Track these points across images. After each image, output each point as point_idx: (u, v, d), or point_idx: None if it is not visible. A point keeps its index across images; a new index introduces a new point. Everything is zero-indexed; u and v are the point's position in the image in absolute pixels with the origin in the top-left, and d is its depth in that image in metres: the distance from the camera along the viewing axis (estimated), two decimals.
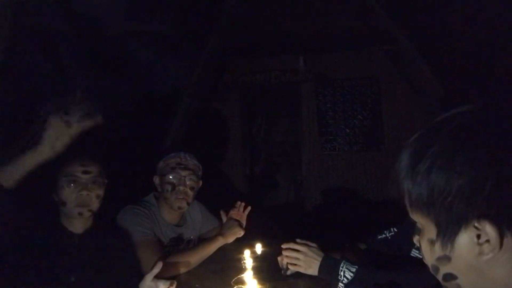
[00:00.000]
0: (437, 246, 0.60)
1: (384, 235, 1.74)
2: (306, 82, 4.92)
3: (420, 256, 1.47)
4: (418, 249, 1.50)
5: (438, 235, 0.60)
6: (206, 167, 2.04)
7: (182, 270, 1.67)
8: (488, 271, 0.57)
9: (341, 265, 1.30)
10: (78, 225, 1.49)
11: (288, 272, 1.47)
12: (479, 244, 0.55)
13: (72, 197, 1.44)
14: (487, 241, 0.54)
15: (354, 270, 1.28)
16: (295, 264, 1.40)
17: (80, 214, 1.45)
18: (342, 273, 1.29)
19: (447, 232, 0.58)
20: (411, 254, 1.54)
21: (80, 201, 1.44)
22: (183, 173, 1.86)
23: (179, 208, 1.87)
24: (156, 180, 1.92)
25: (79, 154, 1.50)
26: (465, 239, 0.56)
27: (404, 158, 0.63)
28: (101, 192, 1.52)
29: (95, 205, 1.50)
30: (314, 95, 4.98)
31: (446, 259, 0.60)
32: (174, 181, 1.85)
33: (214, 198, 2.23)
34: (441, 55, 4.07)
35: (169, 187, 1.85)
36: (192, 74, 4.79)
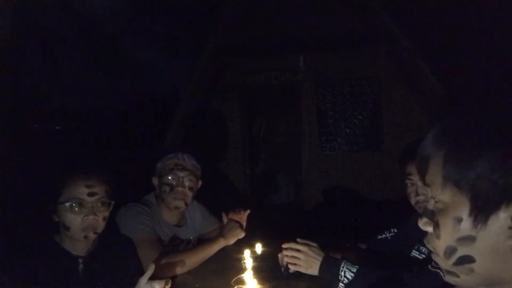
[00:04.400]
0: (466, 224, 0.58)
1: (384, 235, 1.74)
2: (306, 82, 4.92)
3: (420, 257, 1.48)
4: (418, 249, 1.51)
5: (471, 212, 0.57)
6: (206, 167, 2.03)
7: (183, 270, 1.67)
8: (511, 258, 0.55)
9: (342, 265, 1.29)
10: (81, 247, 1.39)
11: (290, 271, 1.46)
12: (510, 228, 0.54)
13: (77, 221, 1.33)
14: None
15: (354, 270, 1.27)
16: (296, 264, 1.40)
17: (85, 237, 1.35)
18: (342, 273, 1.28)
19: (484, 210, 0.56)
20: (411, 255, 1.54)
21: (86, 225, 1.34)
22: (181, 174, 1.86)
23: (176, 207, 1.87)
24: (155, 181, 1.91)
25: (83, 174, 1.38)
26: (499, 219, 0.55)
27: (446, 130, 0.61)
28: (107, 213, 1.41)
29: (101, 227, 1.39)
30: (314, 95, 4.98)
31: (470, 239, 0.57)
32: (173, 182, 1.84)
33: (214, 198, 2.23)
34: (441, 55, 4.08)
35: (167, 188, 1.85)
36: (192, 74, 4.80)
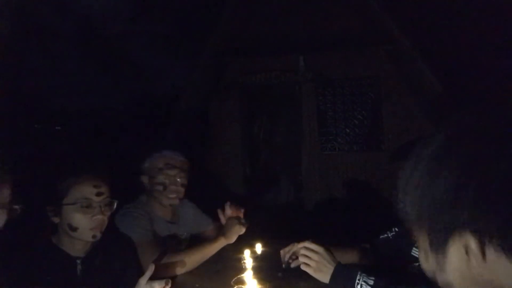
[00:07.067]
0: (431, 256, 0.60)
1: (386, 235, 1.73)
2: (306, 82, 4.92)
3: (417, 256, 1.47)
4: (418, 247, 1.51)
5: (430, 245, 0.59)
6: (206, 167, 2.04)
7: (183, 270, 1.67)
8: (482, 280, 0.55)
9: (358, 278, 1.22)
10: (80, 248, 1.38)
11: (292, 265, 1.42)
12: (467, 254, 0.54)
13: (86, 222, 1.34)
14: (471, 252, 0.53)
15: (371, 282, 1.20)
16: (306, 264, 1.32)
17: (94, 237, 1.36)
18: (359, 287, 1.21)
19: (437, 242, 0.57)
20: (412, 254, 1.54)
21: (95, 224, 1.35)
22: (172, 172, 1.90)
23: (171, 205, 1.94)
24: (145, 180, 1.94)
25: (92, 174, 1.40)
26: (454, 249, 0.56)
27: (404, 168, 0.62)
28: (110, 212, 1.42)
29: (105, 226, 1.41)
30: (314, 95, 4.98)
31: (441, 269, 0.59)
32: (165, 181, 1.88)
33: (214, 198, 2.23)
34: (441, 54, 4.08)
35: (160, 188, 1.88)
36: (192, 74, 4.80)
